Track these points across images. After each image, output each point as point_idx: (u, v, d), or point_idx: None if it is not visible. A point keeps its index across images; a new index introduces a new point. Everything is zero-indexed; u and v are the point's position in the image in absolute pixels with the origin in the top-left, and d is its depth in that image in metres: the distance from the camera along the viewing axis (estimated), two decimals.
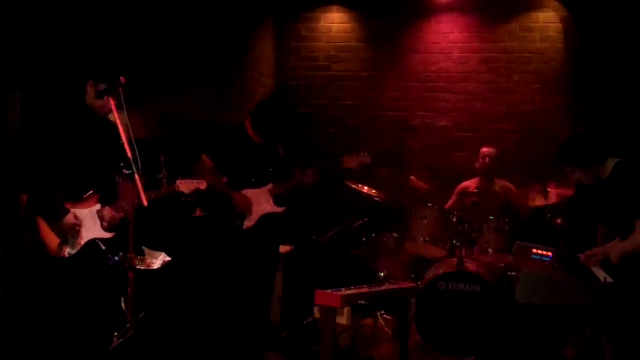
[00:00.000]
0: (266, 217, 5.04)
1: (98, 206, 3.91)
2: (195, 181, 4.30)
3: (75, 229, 3.76)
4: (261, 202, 5.05)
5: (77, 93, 3.93)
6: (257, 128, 5.06)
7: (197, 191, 4.27)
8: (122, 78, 3.79)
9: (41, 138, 3.83)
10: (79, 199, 3.87)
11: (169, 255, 4.76)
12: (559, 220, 5.38)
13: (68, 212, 3.74)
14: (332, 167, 5.15)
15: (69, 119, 3.91)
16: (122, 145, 3.60)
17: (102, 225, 3.91)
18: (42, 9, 4.41)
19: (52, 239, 3.73)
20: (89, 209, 3.87)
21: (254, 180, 5.04)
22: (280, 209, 5.08)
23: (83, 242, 3.83)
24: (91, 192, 3.92)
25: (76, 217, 3.76)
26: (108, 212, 3.91)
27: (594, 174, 3.90)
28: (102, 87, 3.84)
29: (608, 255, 3.80)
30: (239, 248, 4.97)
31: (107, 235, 3.92)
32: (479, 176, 6.31)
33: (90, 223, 3.86)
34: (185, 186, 4.26)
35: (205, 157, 5.00)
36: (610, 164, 3.85)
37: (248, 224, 4.99)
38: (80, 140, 3.89)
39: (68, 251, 3.77)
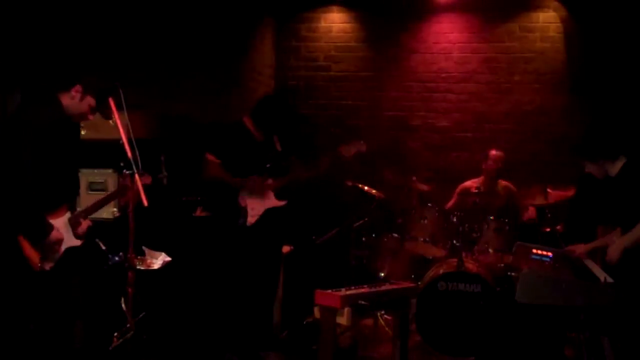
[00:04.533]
0: (269, 212, 5.05)
1: (68, 214, 3.78)
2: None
3: (59, 244, 3.66)
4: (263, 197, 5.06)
5: (53, 96, 3.73)
6: (258, 123, 5.09)
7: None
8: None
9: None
10: (54, 210, 3.73)
11: (169, 255, 4.76)
12: (559, 221, 5.40)
13: (52, 228, 3.62)
14: (331, 158, 5.14)
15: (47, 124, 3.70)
16: (121, 146, 3.58)
17: (74, 233, 3.78)
18: (43, 9, 4.42)
19: (33, 255, 3.61)
20: (61, 218, 3.74)
21: (252, 175, 5.05)
22: (282, 203, 5.11)
23: (60, 252, 3.71)
24: (65, 201, 3.80)
25: (59, 233, 3.65)
26: (84, 223, 3.81)
27: (603, 170, 3.91)
28: (101, 88, 3.80)
29: (608, 256, 3.81)
30: (243, 246, 4.97)
31: (78, 242, 3.80)
32: (482, 176, 6.31)
33: (64, 232, 3.74)
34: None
35: (209, 155, 5.01)
36: (620, 162, 3.86)
37: (251, 219, 4.99)
38: (54, 148, 3.69)
39: (49, 265, 3.66)
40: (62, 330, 3.82)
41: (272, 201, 5.09)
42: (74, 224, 3.79)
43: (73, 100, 3.73)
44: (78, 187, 4.00)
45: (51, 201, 3.70)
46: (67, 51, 4.53)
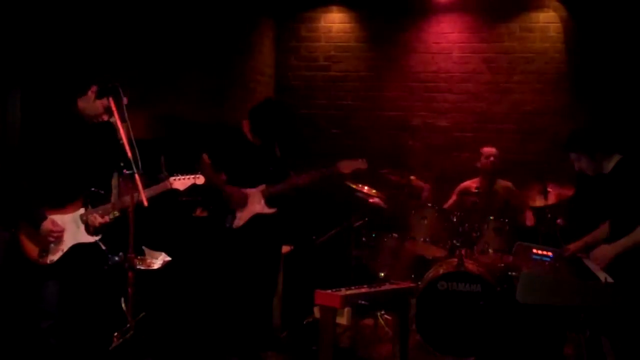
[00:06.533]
0: (257, 218, 5.02)
1: (81, 210, 3.82)
2: (192, 176, 4.08)
3: (52, 236, 3.68)
4: (253, 202, 5.03)
5: (67, 96, 3.84)
6: (254, 129, 5.05)
7: (193, 186, 4.08)
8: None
9: (23, 143, 3.79)
10: (61, 206, 3.78)
11: (169, 255, 4.77)
12: (559, 221, 5.39)
13: (45, 218, 3.67)
14: (328, 172, 5.10)
15: (55, 123, 3.82)
16: (122, 146, 3.58)
17: (86, 229, 3.82)
18: (43, 9, 4.42)
19: (31, 248, 3.69)
20: (71, 214, 3.79)
21: (249, 180, 5.03)
22: (271, 210, 5.04)
23: (65, 247, 3.75)
24: (74, 198, 3.82)
25: (54, 224, 3.68)
26: (93, 218, 3.80)
27: (598, 165, 3.91)
28: (102, 87, 3.80)
29: (593, 257, 3.82)
30: (231, 247, 4.96)
31: (92, 238, 3.83)
32: (480, 176, 6.30)
33: (73, 228, 3.78)
34: (180, 183, 4.06)
35: (205, 156, 5.00)
36: (614, 159, 3.86)
37: (238, 223, 4.97)
38: (65, 145, 3.78)
39: (50, 258, 3.72)
40: (61, 329, 3.82)
41: (261, 207, 5.04)
42: (85, 220, 3.82)
43: (89, 102, 3.79)
44: (108, 186, 4.01)
45: (56, 196, 3.76)
46: (67, 51, 4.53)
